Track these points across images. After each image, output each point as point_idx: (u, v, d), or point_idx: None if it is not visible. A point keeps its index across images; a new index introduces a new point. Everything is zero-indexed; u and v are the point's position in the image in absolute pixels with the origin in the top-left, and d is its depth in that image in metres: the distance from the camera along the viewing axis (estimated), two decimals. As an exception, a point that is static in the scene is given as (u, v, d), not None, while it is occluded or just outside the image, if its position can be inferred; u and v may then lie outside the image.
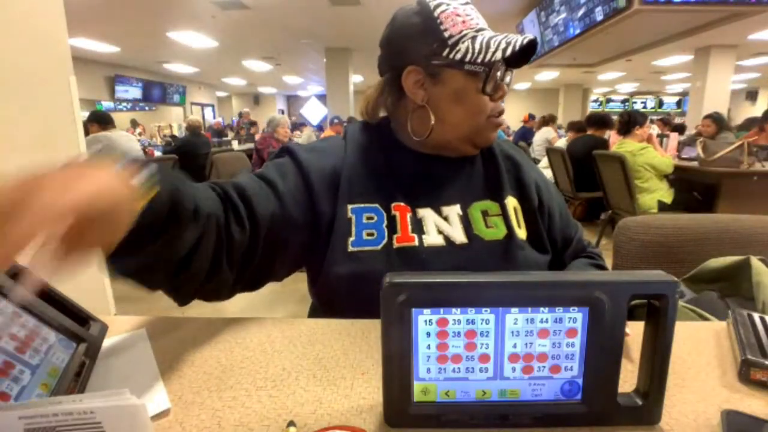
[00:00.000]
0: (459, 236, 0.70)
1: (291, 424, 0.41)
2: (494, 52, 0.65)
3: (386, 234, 0.68)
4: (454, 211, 0.72)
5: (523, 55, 0.70)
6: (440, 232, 0.70)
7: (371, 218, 0.69)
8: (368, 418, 0.43)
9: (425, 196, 0.72)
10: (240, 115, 9.30)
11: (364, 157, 0.72)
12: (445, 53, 0.67)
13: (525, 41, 0.65)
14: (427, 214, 0.71)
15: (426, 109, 0.70)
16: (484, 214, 0.72)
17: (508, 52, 0.65)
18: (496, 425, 0.41)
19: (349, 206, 0.69)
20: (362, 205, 0.69)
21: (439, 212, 0.72)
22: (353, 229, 0.68)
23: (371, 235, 0.68)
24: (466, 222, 0.71)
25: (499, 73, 0.69)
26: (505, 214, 0.73)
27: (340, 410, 0.44)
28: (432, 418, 0.41)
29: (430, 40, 0.67)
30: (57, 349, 0.47)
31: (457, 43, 0.66)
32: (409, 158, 0.74)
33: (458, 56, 0.66)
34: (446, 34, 0.67)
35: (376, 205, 0.70)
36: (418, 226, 0.70)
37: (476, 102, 0.69)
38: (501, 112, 0.73)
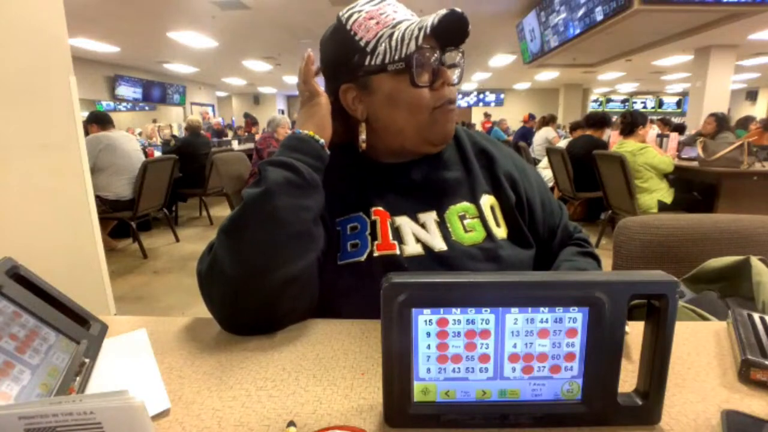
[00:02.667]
0: (438, 244, 0.69)
1: (291, 424, 0.41)
2: (408, 43, 0.63)
3: (369, 242, 0.68)
4: (431, 217, 0.71)
5: (456, 28, 0.65)
6: (418, 240, 0.69)
7: (355, 228, 0.69)
8: (368, 418, 0.43)
9: (400, 204, 0.71)
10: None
11: (338, 175, 0.70)
12: (366, 62, 0.66)
13: (436, 20, 0.61)
14: (403, 222, 0.70)
15: (368, 122, 0.70)
16: (462, 217, 0.71)
17: (421, 38, 0.62)
18: (496, 425, 0.41)
19: (337, 220, 0.70)
20: (346, 217, 0.70)
21: (416, 220, 0.71)
22: (340, 242, 0.69)
23: (355, 246, 0.68)
24: (444, 228, 0.70)
25: (431, 59, 0.65)
26: (482, 216, 0.71)
27: (340, 410, 0.44)
28: (432, 418, 0.41)
29: (351, 54, 0.66)
30: (57, 349, 0.47)
31: (375, 47, 0.65)
32: (379, 171, 0.73)
33: (379, 60, 0.65)
34: (362, 43, 0.65)
35: (359, 213, 0.70)
36: (397, 234, 0.69)
37: (412, 99, 0.66)
38: (450, 100, 0.68)
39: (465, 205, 0.72)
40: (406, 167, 0.73)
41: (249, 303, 0.58)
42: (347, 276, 0.66)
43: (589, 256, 0.77)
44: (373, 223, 0.69)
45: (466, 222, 0.71)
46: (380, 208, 0.70)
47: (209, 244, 0.62)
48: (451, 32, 0.65)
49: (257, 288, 0.57)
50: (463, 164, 0.75)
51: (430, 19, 0.62)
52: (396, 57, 0.64)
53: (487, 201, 0.73)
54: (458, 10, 0.62)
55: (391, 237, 0.68)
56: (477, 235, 0.70)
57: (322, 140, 0.66)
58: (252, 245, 0.57)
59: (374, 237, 0.68)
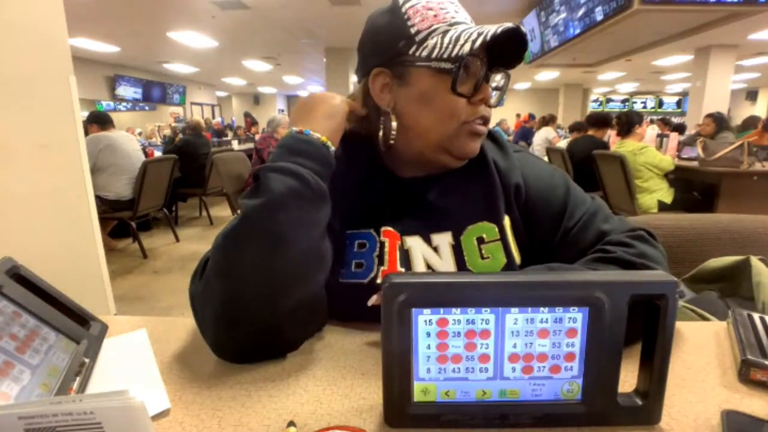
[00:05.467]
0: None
1: (291, 424, 0.41)
2: (463, 45, 0.58)
3: (375, 265, 0.63)
4: (445, 240, 0.65)
5: (514, 50, 0.62)
6: (428, 266, 0.64)
7: (363, 246, 0.65)
8: (368, 418, 0.43)
9: (413, 222, 0.66)
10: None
11: (353, 184, 0.65)
12: (411, 51, 0.61)
13: (500, 30, 0.56)
14: (415, 243, 0.65)
15: (390, 114, 0.64)
16: (480, 241, 0.65)
17: (478, 42, 0.57)
18: (496, 425, 0.41)
19: (347, 232, 0.65)
20: (356, 231, 0.65)
21: (428, 241, 0.65)
22: (345, 257, 0.64)
23: (360, 266, 0.64)
24: (458, 253, 0.65)
25: (480, 72, 0.61)
26: (504, 239, 0.65)
27: (340, 410, 0.44)
28: (432, 418, 0.41)
29: (397, 38, 0.61)
30: (57, 349, 0.47)
31: (425, 39, 0.60)
32: (395, 184, 0.68)
33: (425, 53, 0.60)
34: (413, 30, 0.60)
35: (370, 231, 0.65)
36: (406, 258, 0.65)
37: (446, 104, 0.61)
38: (483, 119, 0.63)
39: (486, 225, 0.65)
40: (424, 182, 0.68)
41: (248, 331, 0.52)
42: (346, 296, 0.61)
43: (612, 262, 0.59)
44: (382, 245, 0.64)
45: (483, 247, 0.65)
46: (390, 229, 0.65)
47: (203, 258, 0.56)
48: (506, 51, 0.62)
49: (258, 316, 0.51)
50: (485, 177, 0.67)
51: (493, 29, 0.57)
52: (444, 55, 0.59)
53: (508, 222, 0.67)
54: (523, 29, 0.59)
55: (399, 262, 0.64)
56: (493, 264, 0.64)
57: (332, 148, 0.58)
58: (252, 267, 0.50)
59: (381, 260, 0.64)
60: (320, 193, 0.54)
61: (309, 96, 0.63)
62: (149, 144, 6.08)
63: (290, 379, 0.50)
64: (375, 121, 0.66)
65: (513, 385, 0.41)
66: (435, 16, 0.61)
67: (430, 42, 0.60)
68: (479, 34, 0.57)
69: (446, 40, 0.59)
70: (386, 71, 0.63)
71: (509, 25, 0.57)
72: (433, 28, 0.60)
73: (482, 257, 0.65)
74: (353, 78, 0.68)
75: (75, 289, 0.58)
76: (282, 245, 0.51)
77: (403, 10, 0.62)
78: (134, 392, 0.33)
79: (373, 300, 0.55)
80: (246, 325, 0.51)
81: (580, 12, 5.03)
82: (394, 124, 0.63)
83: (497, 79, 0.65)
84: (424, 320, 0.39)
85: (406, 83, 0.62)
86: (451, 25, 0.61)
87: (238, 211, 0.53)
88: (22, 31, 1.56)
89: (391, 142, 0.64)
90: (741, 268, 0.79)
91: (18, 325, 0.45)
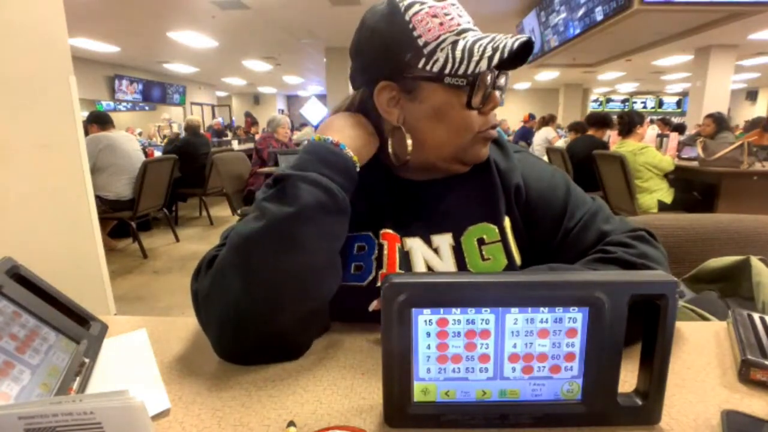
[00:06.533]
0: None
1: (291, 424, 0.41)
2: (478, 62, 0.56)
3: (374, 268, 0.63)
4: (445, 241, 0.65)
5: (520, 55, 0.60)
6: (429, 268, 0.64)
7: (362, 248, 0.65)
8: (368, 418, 0.43)
9: (414, 223, 0.66)
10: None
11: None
12: (420, 64, 0.58)
13: (515, 45, 0.55)
14: (415, 245, 0.65)
15: (403, 130, 0.62)
16: (480, 242, 0.65)
17: (496, 59, 0.55)
18: (496, 425, 0.41)
19: (347, 234, 0.63)
20: (355, 234, 0.64)
21: (428, 242, 0.65)
22: (345, 260, 0.63)
23: (359, 269, 0.64)
24: (458, 254, 0.64)
25: (488, 81, 0.59)
26: (504, 240, 0.64)
27: (340, 410, 0.44)
28: (432, 418, 0.41)
29: (403, 50, 0.58)
30: (57, 349, 0.47)
31: (434, 51, 0.57)
32: (394, 183, 0.67)
33: (436, 68, 0.57)
34: (421, 42, 0.57)
35: (369, 233, 0.65)
36: (406, 260, 0.64)
37: (461, 119, 0.60)
38: (494, 126, 0.64)
39: (486, 225, 0.65)
40: (424, 183, 0.67)
41: (256, 333, 0.52)
42: (345, 298, 0.60)
43: (612, 262, 0.59)
44: (381, 247, 0.64)
45: (484, 248, 0.64)
46: (389, 231, 0.65)
47: (206, 258, 0.56)
48: (512, 56, 0.59)
49: (265, 320, 0.51)
50: (485, 178, 0.67)
51: (509, 43, 0.55)
52: (459, 71, 0.57)
53: (508, 223, 0.66)
54: (533, 39, 0.58)
55: (398, 265, 0.63)
56: (494, 265, 0.64)
57: (358, 165, 0.59)
58: (269, 273, 0.50)
59: (380, 263, 0.63)
60: (345, 208, 0.55)
61: (359, 117, 0.64)
62: (150, 144, 6.07)
63: (290, 379, 0.50)
64: (382, 133, 0.64)
65: (513, 385, 0.41)
66: (441, 24, 0.58)
67: (440, 55, 0.57)
68: (494, 50, 0.55)
69: (458, 54, 0.57)
70: (393, 84, 0.60)
71: (523, 38, 0.56)
72: (441, 39, 0.57)
73: (483, 258, 0.64)
74: (353, 79, 0.67)
75: (75, 289, 0.58)
76: (303, 255, 0.51)
77: (407, 18, 0.58)
78: (134, 392, 0.33)
79: (374, 305, 0.55)
80: (252, 327, 0.51)
81: (580, 12, 5.03)
82: (409, 141, 0.61)
83: (500, 81, 0.64)
84: (424, 320, 0.39)
85: (417, 99, 0.60)
86: (459, 33, 0.58)
87: (247, 210, 0.53)
88: (22, 31, 1.56)
89: (408, 158, 0.63)
90: (741, 268, 0.79)
91: (18, 325, 0.45)
